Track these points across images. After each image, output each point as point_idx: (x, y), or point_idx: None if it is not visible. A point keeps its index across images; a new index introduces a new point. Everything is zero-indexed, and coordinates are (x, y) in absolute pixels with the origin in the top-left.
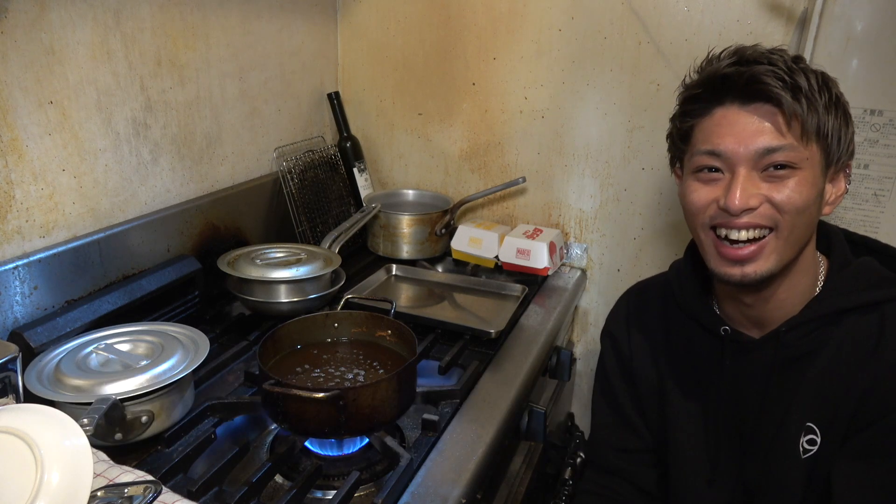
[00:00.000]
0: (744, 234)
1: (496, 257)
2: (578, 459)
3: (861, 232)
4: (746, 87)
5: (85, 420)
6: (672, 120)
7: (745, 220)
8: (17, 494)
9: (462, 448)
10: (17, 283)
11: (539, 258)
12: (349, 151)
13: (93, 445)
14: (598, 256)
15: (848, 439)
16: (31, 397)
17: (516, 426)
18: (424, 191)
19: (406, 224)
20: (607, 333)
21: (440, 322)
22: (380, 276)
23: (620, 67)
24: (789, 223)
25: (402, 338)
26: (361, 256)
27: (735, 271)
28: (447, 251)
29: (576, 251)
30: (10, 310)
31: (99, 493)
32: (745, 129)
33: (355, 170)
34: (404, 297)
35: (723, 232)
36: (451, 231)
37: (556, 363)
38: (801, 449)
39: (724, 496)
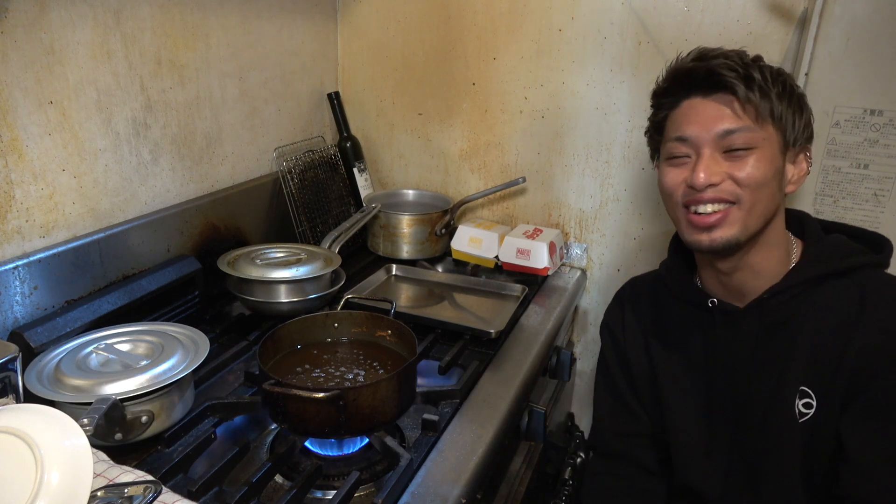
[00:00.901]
0: (710, 208)
1: (496, 257)
2: (578, 459)
3: None
4: (707, 79)
5: (85, 420)
6: (649, 119)
7: (709, 194)
8: (17, 494)
9: (462, 448)
10: (17, 283)
11: (539, 258)
12: (349, 151)
13: (93, 445)
14: (598, 256)
15: (849, 402)
16: (31, 397)
17: (516, 426)
18: (424, 191)
19: (406, 224)
20: (605, 325)
21: (440, 322)
22: (380, 276)
23: (620, 67)
24: (751, 196)
25: (402, 338)
26: (361, 256)
27: (704, 237)
28: (447, 251)
29: (576, 251)
30: (10, 310)
31: (99, 493)
32: (707, 116)
33: (355, 170)
34: (404, 297)
35: (692, 207)
36: (451, 231)
37: (556, 363)
38: (797, 412)
39: (723, 465)
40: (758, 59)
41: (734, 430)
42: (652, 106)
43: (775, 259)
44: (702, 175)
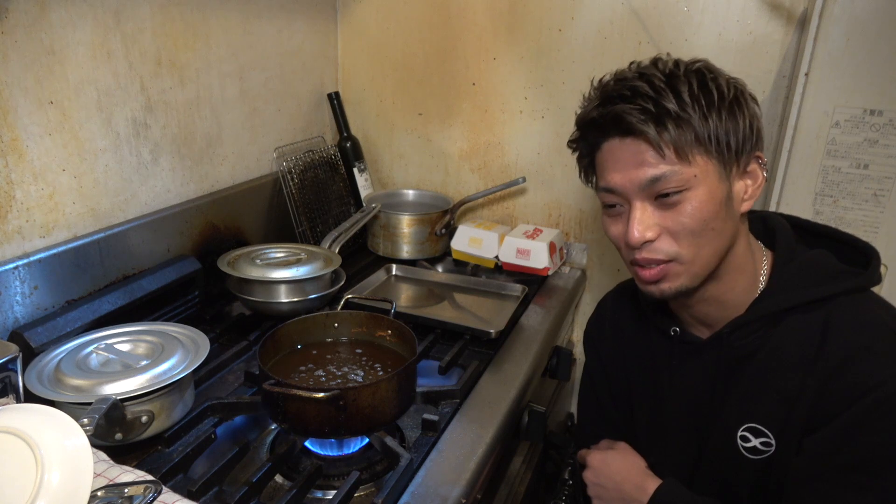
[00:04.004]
0: (652, 263)
1: (496, 257)
2: None
3: (861, 231)
4: (615, 125)
5: (85, 420)
6: (577, 160)
7: (644, 255)
8: (17, 494)
9: (462, 448)
10: (18, 283)
11: (539, 258)
12: (349, 151)
13: (93, 445)
14: (598, 256)
15: (803, 440)
16: (31, 397)
17: (516, 426)
18: (424, 191)
19: (406, 224)
20: (587, 336)
21: (440, 322)
22: (380, 276)
23: (620, 67)
24: (692, 245)
25: (402, 338)
26: (361, 256)
27: (653, 289)
28: (447, 251)
29: (576, 251)
30: (11, 310)
31: (99, 493)
32: (627, 163)
33: (355, 170)
34: (404, 297)
35: (637, 263)
36: (451, 231)
37: (556, 363)
38: (741, 449)
39: None
40: (677, 67)
41: (693, 462)
42: (576, 149)
43: (740, 287)
44: (635, 234)
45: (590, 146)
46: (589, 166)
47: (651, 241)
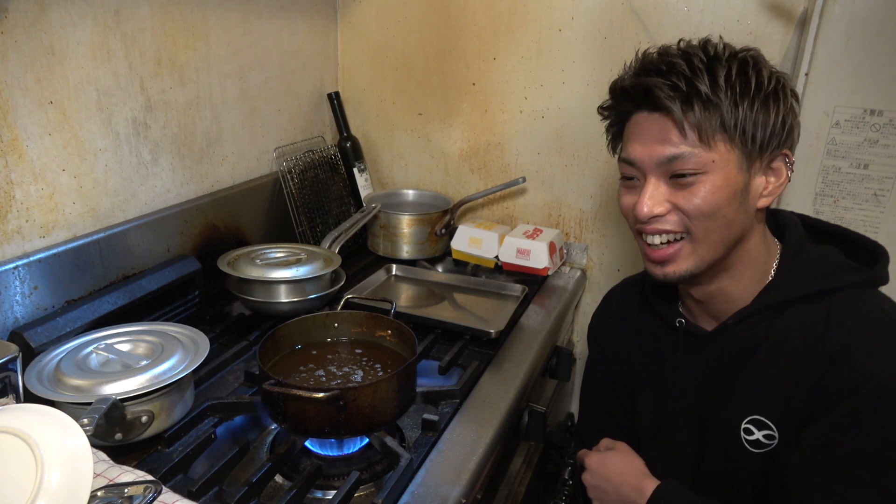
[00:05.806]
0: (657, 239)
1: (496, 257)
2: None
3: (861, 231)
4: (644, 98)
5: (85, 420)
6: (606, 129)
7: (654, 226)
8: (17, 494)
9: (462, 448)
10: (18, 283)
11: (539, 258)
12: (349, 151)
13: (93, 445)
14: (598, 256)
15: (801, 432)
16: (31, 397)
17: (516, 426)
18: (424, 191)
19: (406, 224)
20: (591, 330)
21: (440, 322)
22: (380, 276)
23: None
24: (701, 227)
25: (402, 338)
26: (361, 256)
27: (658, 271)
28: (447, 251)
29: (576, 251)
30: (10, 310)
31: (99, 493)
32: (650, 137)
33: (355, 170)
34: (404, 297)
35: (644, 237)
36: (451, 231)
37: (556, 363)
38: (744, 441)
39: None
40: (724, 50)
41: (696, 456)
42: (603, 119)
43: (747, 280)
44: (644, 208)
45: (620, 116)
46: (617, 135)
47: (660, 216)
